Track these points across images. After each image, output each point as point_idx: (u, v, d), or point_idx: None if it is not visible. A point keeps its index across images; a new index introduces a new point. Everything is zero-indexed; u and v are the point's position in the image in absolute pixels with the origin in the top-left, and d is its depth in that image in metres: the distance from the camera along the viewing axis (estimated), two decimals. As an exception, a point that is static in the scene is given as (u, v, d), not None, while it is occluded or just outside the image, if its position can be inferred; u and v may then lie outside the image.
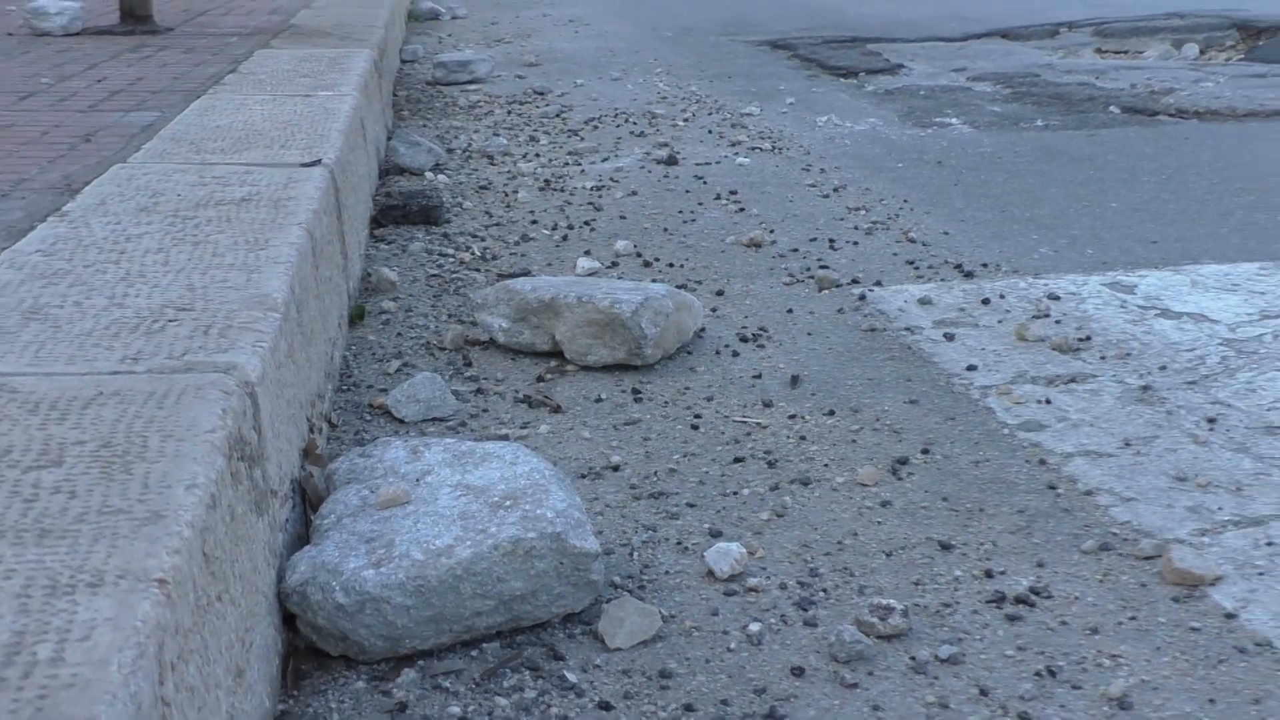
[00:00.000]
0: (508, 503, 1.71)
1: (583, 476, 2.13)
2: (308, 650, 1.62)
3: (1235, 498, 1.97)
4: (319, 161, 2.68)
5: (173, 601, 1.09)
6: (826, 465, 2.15)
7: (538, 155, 4.49)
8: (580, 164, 4.35)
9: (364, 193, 3.41)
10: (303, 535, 1.79)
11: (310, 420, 2.03)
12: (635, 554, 1.89)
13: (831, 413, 2.36)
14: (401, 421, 2.34)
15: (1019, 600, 1.73)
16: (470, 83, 5.93)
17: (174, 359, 1.59)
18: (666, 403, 2.43)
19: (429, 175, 4.14)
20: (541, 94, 5.66)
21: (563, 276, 2.99)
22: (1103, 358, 2.55)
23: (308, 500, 1.84)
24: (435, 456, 1.86)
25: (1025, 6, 8.35)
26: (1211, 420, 2.24)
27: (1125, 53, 6.95)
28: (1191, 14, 7.48)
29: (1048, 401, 2.35)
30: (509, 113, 5.26)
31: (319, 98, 3.45)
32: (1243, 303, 2.81)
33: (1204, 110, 5.05)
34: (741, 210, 3.73)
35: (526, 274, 3.16)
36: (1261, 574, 1.76)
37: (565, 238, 3.49)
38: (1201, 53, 6.84)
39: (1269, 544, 1.84)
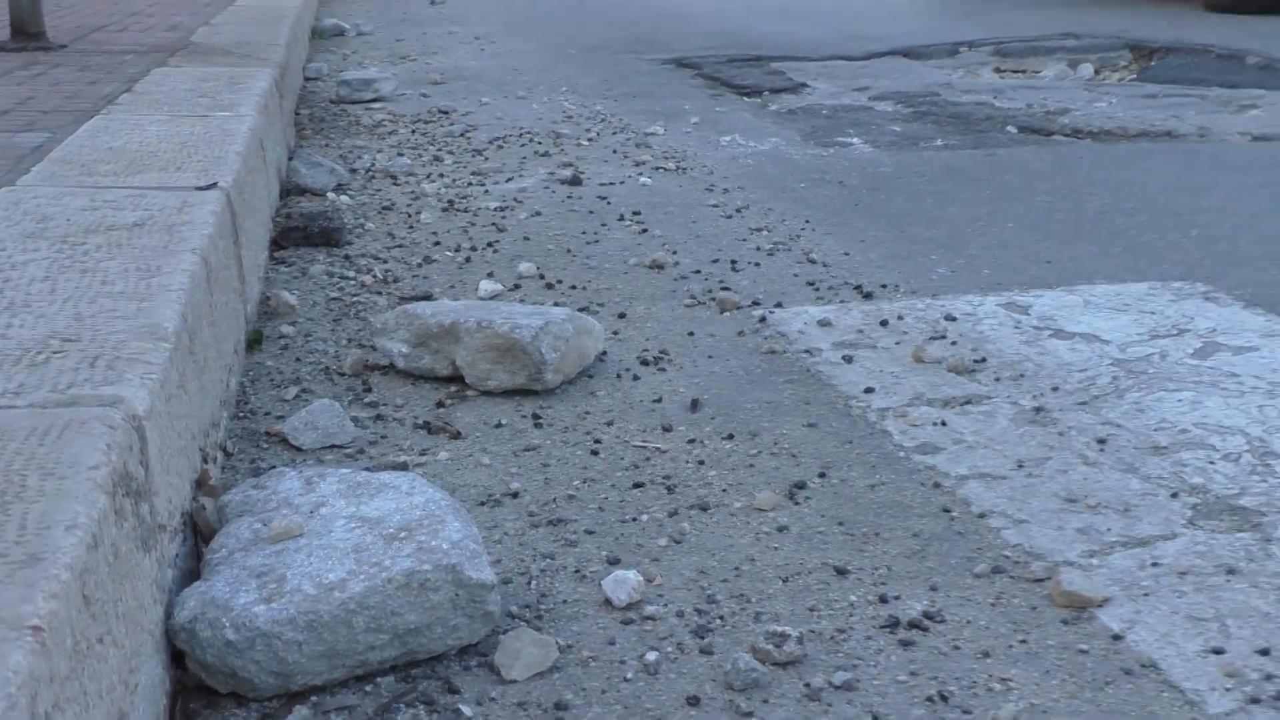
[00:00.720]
0: (403, 534, 1.69)
1: (481, 504, 2.12)
2: (197, 688, 1.59)
3: (1123, 518, 2.01)
4: (215, 185, 2.65)
5: (48, 649, 1.07)
6: (725, 490, 2.16)
7: (442, 175, 4.47)
8: (484, 184, 4.34)
9: (263, 215, 3.37)
10: (194, 569, 1.77)
11: (204, 450, 2.00)
12: (533, 583, 1.88)
13: (731, 436, 2.37)
14: (299, 449, 2.31)
15: (912, 625, 1.75)
16: (374, 101, 5.89)
17: (58, 392, 1.56)
18: (566, 428, 2.42)
19: (331, 196, 4.11)
20: (446, 113, 5.65)
21: (464, 300, 2.98)
22: (997, 379, 2.59)
23: (199, 533, 1.82)
24: (330, 487, 1.85)
25: (926, 26, 8.47)
26: (1101, 441, 2.28)
27: (1023, 72, 7.07)
28: (1086, 34, 7.63)
29: (943, 424, 2.38)
30: (413, 132, 5.23)
31: (217, 118, 3.41)
32: (1133, 323, 2.87)
33: (1098, 130, 5.15)
34: (645, 231, 3.74)
35: (428, 297, 3.14)
36: (1147, 595, 1.80)
37: (468, 259, 3.47)
38: (1096, 72, 6.97)
39: (1154, 564, 1.87)
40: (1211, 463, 2.18)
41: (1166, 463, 2.20)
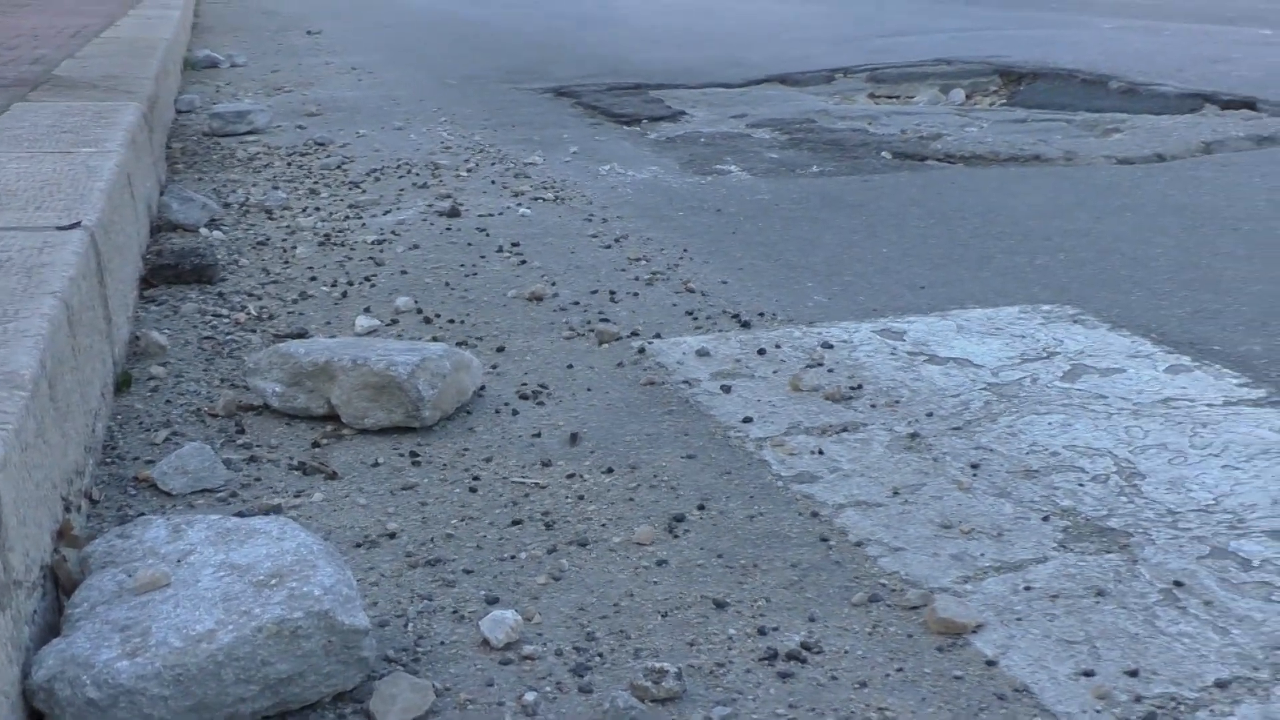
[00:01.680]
0: (273, 581, 1.66)
1: (358, 545, 2.09)
2: (59, 749, 1.54)
3: (996, 543, 2.04)
4: (79, 224, 2.58)
5: (-111, 721, 1.02)
6: (604, 525, 2.15)
7: (318, 209, 4.41)
8: (361, 217, 4.29)
9: (132, 253, 3.30)
10: (55, 624, 1.71)
11: (66, 499, 1.95)
12: (410, 625, 1.85)
13: (610, 470, 2.36)
14: (169, 494, 2.26)
15: (791, 656, 1.76)
16: (249, 133, 5.81)
17: (-94, 448, 1.50)
18: (445, 465, 2.40)
19: (204, 231, 4.04)
20: (322, 145, 5.59)
21: (340, 338, 2.94)
22: (873, 406, 2.62)
23: (61, 586, 1.76)
24: (198, 535, 1.80)
25: (802, 52, 8.58)
26: (975, 466, 2.32)
27: (897, 98, 7.20)
28: (958, 60, 7.79)
29: (820, 452, 2.40)
30: (289, 165, 5.16)
31: (81, 154, 3.33)
32: (1004, 346, 2.92)
33: (969, 155, 5.25)
34: (523, 263, 3.73)
35: (304, 334, 3.10)
36: (1019, 619, 1.82)
37: (345, 294, 3.43)
38: (968, 97, 7.12)
39: (1027, 589, 1.90)
40: (1081, 485, 2.22)
41: (1038, 486, 2.23)
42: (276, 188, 4.70)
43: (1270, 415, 2.49)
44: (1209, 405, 2.55)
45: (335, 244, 3.94)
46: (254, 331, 3.12)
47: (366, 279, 3.57)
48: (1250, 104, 5.95)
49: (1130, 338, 2.96)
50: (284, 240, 3.97)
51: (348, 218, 4.28)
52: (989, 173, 4.92)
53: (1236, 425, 2.45)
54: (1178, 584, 1.89)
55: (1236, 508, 2.12)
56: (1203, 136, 5.37)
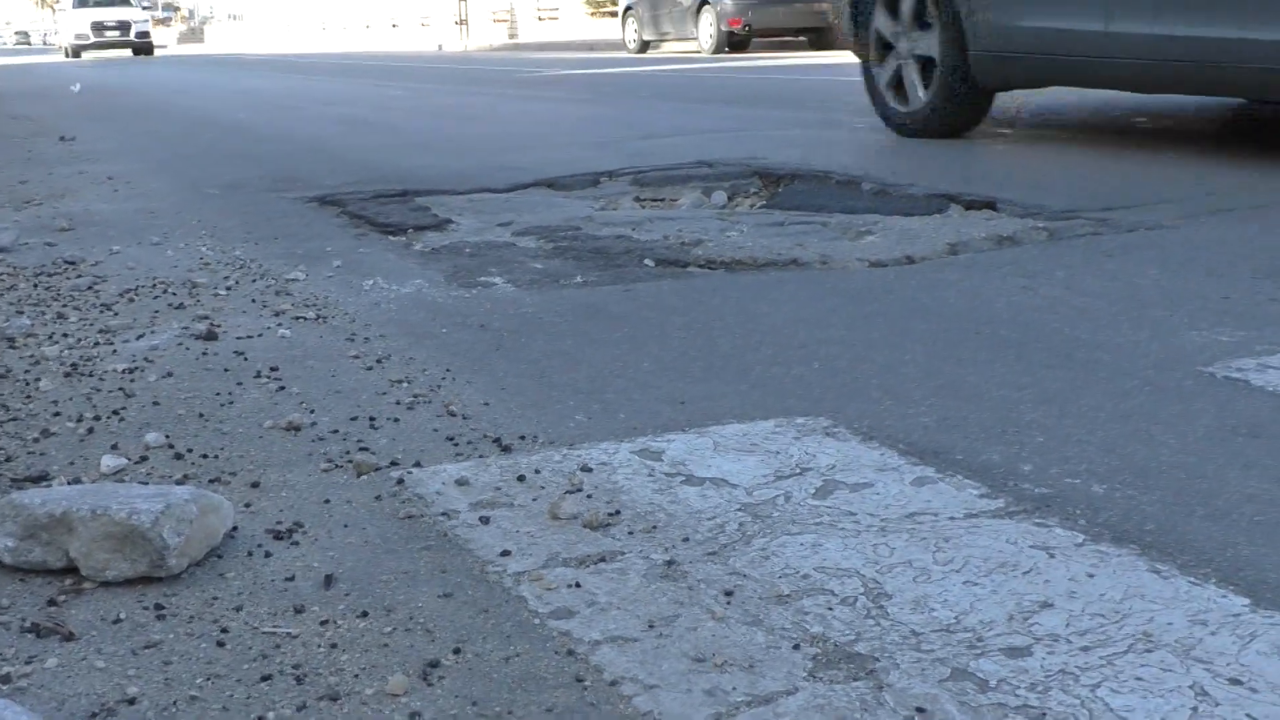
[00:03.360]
0: (-9, 776, 1.57)
1: (93, 716, 2.00)
2: None
3: (748, 675, 2.06)
4: None
5: None
6: (357, 675, 2.11)
7: (65, 335, 4.26)
8: (113, 343, 4.16)
9: None
10: None
11: None
12: (148, 803, 1.77)
13: (365, 614, 2.32)
14: (-113, 668, 2.12)
15: (543, 813, 1.74)
16: (-7, 252, 5.59)
17: None
18: (192, 618, 2.32)
19: (-62, 365, 3.85)
20: (73, 263, 5.41)
21: (80, 484, 2.83)
22: (631, 533, 2.63)
23: None
24: (-89, 725, 1.70)
25: (567, 155, 8.70)
26: (729, 593, 2.35)
27: (662, 201, 7.34)
28: (719, 162, 8.01)
29: (578, 585, 2.40)
30: (35, 286, 4.98)
31: None
32: (760, 464, 2.97)
33: (730, 260, 5.37)
34: (282, 389, 3.65)
35: (45, 477, 2.97)
36: (770, 757, 1.84)
37: (91, 430, 3.31)
38: (730, 199, 7.31)
39: (777, 723, 1.93)
40: (830, 609, 2.27)
41: (789, 612, 2.27)
42: (21, 313, 4.52)
43: (1007, 527, 2.59)
44: (951, 518, 2.65)
45: (83, 374, 3.80)
46: (-10, 476, 2.98)
47: (115, 413, 3.44)
48: (991, 204, 6.26)
49: (879, 450, 3.06)
50: (26, 372, 3.82)
51: (97, 344, 4.14)
52: (749, 279, 5.04)
53: (977, 538, 2.54)
54: (920, 710, 1.94)
55: (976, 625, 2.20)
56: (948, 238, 5.61)
